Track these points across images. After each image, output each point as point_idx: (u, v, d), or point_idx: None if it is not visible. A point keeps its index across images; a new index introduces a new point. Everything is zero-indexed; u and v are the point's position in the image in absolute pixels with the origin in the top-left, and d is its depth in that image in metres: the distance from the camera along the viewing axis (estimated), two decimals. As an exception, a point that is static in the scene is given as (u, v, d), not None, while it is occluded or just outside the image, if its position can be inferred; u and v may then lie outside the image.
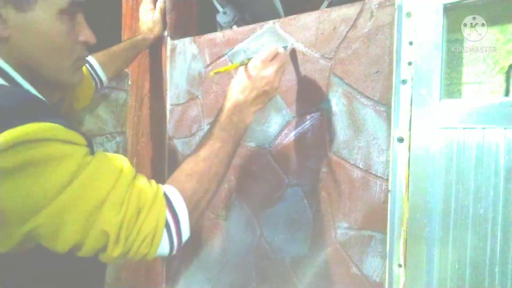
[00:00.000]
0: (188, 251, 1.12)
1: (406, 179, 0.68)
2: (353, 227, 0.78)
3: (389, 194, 0.71)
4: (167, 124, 1.16)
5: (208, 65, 1.04)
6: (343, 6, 0.78)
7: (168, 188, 0.57)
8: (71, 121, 0.99)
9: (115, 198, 0.50)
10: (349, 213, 0.78)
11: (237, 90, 0.68)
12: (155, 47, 1.15)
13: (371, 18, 0.74)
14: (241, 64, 0.71)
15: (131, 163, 1.34)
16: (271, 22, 0.89)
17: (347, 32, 0.77)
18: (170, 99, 1.15)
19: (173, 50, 1.13)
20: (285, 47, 0.78)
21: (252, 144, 0.95)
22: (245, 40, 0.94)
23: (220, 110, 0.68)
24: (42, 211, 0.46)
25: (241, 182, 0.98)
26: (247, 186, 0.97)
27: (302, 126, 0.85)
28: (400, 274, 0.69)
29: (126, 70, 1.24)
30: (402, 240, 0.68)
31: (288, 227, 0.89)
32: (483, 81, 0.65)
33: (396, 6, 0.69)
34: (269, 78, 0.67)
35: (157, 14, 1.11)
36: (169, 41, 1.14)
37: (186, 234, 0.56)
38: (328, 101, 0.81)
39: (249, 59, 0.70)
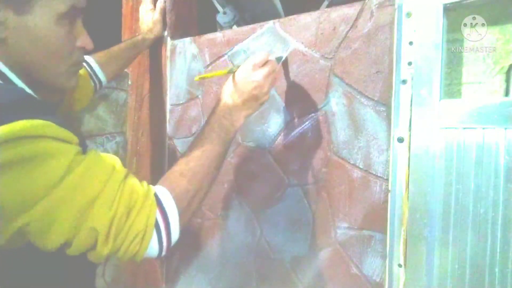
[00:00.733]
0: (188, 251, 1.12)
1: (406, 179, 0.68)
2: (353, 227, 0.78)
3: (389, 194, 0.71)
4: (167, 124, 1.16)
5: (208, 65, 1.04)
6: (343, 6, 0.78)
7: (159, 189, 0.57)
8: (70, 119, 0.99)
9: (106, 197, 0.50)
10: (349, 213, 0.78)
11: (227, 94, 0.69)
12: (155, 47, 1.15)
13: (371, 18, 0.74)
14: (229, 71, 0.72)
15: (131, 163, 1.34)
16: (271, 22, 0.89)
17: (347, 32, 0.77)
18: (170, 99, 1.15)
19: (173, 50, 1.13)
20: (278, 58, 0.78)
21: (252, 144, 0.95)
22: (245, 40, 0.94)
23: (212, 112, 0.69)
24: (33, 208, 0.46)
25: (241, 182, 0.98)
26: (247, 186, 0.97)
27: (302, 126, 0.85)
28: (400, 274, 0.69)
29: (126, 70, 1.24)
30: (402, 240, 0.68)
31: (288, 227, 0.89)
32: (483, 81, 0.65)
33: (396, 6, 0.69)
34: (258, 83, 0.68)
35: (157, 14, 1.11)
36: (169, 41, 1.14)
37: (175, 234, 0.57)
38: (328, 101, 0.81)
39: (237, 67, 0.71)
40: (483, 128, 0.59)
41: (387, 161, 0.72)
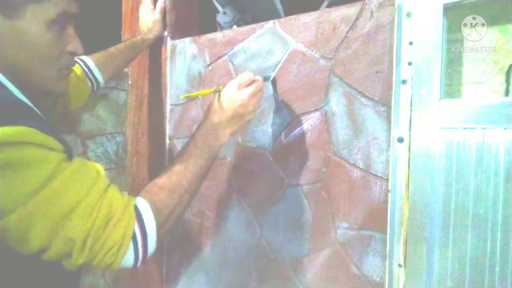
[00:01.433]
0: (188, 251, 1.12)
1: (406, 179, 0.68)
2: (353, 227, 0.78)
3: (389, 194, 0.71)
4: (167, 124, 1.16)
5: (208, 65, 1.04)
6: (343, 6, 0.78)
7: (139, 201, 0.57)
8: (69, 121, 0.99)
9: (86, 207, 0.50)
10: (349, 213, 0.78)
11: (213, 111, 0.70)
12: (155, 47, 1.15)
13: (371, 18, 0.74)
14: (214, 91, 0.75)
15: (131, 163, 1.35)
16: (271, 22, 0.89)
17: (347, 32, 0.77)
18: (170, 99, 1.15)
19: (173, 50, 1.13)
20: (266, 78, 0.81)
21: (252, 144, 0.95)
22: (245, 40, 0.94)
23: (197, 128, 0.70)
24: (12, 213, 0.46)
25: (241, 182, 0.98)
26: (247, 186, 0.97)
27: (302, 126, 0.85)
28: (400, 274, 0.69)
29: (126, 70, 1.24)
30: (402, 240, 0.68)
31: (288, 227, 0.89)
32: (483, 81, 0.65)
33: (396, 6, 0.69)
34: (243, 101, 0.69)
35: (157, 14, 1.11)
36: (169, 41, 1.14)
37: (152, 247, 0.57)
38: (328, 101, 0.81)
39: (223, 86, 0.73)
40: (483, 128, 0.59)
41: (387, 161, 0.72)
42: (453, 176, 0.63)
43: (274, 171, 0.91)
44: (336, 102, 0.79)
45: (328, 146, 0.81)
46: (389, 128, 0.71)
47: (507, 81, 0.63)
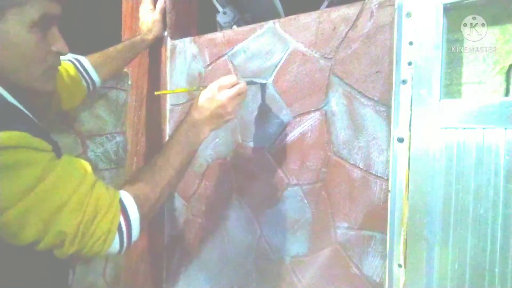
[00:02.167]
0: (188, 251, 1.12)
1: (406, 179, 0.68)
2: (353, 227, 0.78)
3: (389, 194, 0.71)
4: (167, 124, 1.16)
5: (208, 65, 1.04)
6: (343, 6, 0.78)
7: (124, 195, 0.62)
8: (68, 121, 0.99)
9: (75, 202, 0.55)
10: (349, 213, 0.78)
11: (194, 109, 0.74)
12: (155, 47, 1.15)
13: (371, 18, 0.74)
14: (195, 89, 0.81)
15: (131, 163, 1.34)
16: (271, 22, 0.89)
17: (347, 32, 0.77)
18: (170, 99, 1.15)
19: (173, 50, 1.13)
20: (249, 81, 0.84)
21: (252, 144, 0.95)
22: (245, 40, 0.94)
23: (179, 125, 0.75)
24: (7, 212, 0.50)
25: (241, 182, 0.98)
26: (247, 186, 0.97)
27: (302, 126, 0.85)
28: (400, 274, 0.69)
29: (126, 70, 1.24)
30: (402, 240, 0.68)
31: (288, 227, 0.89)
32: (483, 81, 0.65)
33: (396, 6, 0.69)
34: (221, 102, 0.73)
35: (157, 14, 1.11)
36: (169, 41, 1.14)
37: (135, 235, 0.63)
38: (328, 101, 0.81)
39: (204, 87, 0.77)
40: (483, 128, 0.59)
41: (387, 161, 0.72)
42: (453, 176, 0.63)
43: (274, 171, 0.91)
44: (336, 102, 0.79)
45: (328, 146, 0.81)
46: (389, 128, 0.71)
47: (507, 81, 0.63)
